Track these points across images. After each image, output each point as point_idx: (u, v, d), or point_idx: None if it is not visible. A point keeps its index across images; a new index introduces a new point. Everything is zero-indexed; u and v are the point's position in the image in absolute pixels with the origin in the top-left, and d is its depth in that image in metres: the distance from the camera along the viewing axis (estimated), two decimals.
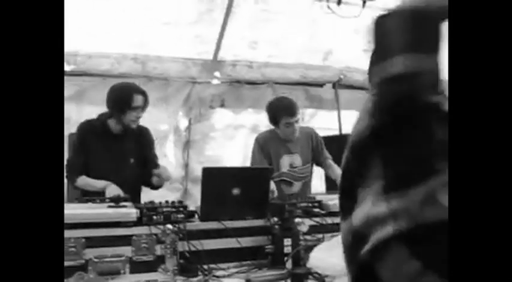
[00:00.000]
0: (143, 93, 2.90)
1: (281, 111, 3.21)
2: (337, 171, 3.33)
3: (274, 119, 3.27)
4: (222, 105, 4.70)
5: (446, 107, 0.51)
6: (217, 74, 4.48)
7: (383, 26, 0.55)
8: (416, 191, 0.49)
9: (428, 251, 0.48)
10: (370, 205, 0.51)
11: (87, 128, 2.93)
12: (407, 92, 0.51)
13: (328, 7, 3.80)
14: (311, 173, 3.49)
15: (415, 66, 0.51)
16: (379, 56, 0.55)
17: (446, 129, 0.50)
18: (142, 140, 3.08)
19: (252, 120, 4.83)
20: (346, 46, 4.72)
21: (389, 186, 0.50)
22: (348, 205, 0.54)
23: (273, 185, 3.15)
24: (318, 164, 3.50)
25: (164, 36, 4.07)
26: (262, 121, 4.89)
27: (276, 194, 3.11)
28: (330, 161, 3.44)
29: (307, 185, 3.45)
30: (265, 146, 3.32)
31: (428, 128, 0.51)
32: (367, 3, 4.04)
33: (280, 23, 4.30)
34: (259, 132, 3.63)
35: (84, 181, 2.83)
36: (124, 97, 2.85)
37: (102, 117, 2.95)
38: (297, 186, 3.36)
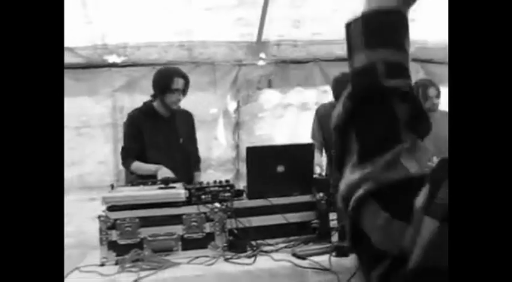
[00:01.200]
0: (184, 77, 3.06)
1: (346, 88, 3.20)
2: None
3: (338, 97, 3.23)
4: (269, 86, 4.74)
5: (405, 88, 0.61)
6: (262, 55, 4.51)
7: (349, 29, 0.67)
8: (382, 158, 0.59)
9: (393, 204, 0.58)
10: (349, 175, 0.62)
11: (136, 114, 3.11)
12: (369, 80, 0.63)
13: None
14: None
15: (372, 60, 0.62)
16: (348, 54, 0.67)
17: (406, 106, 0.61)
18: (189, 122, 3.29)
19: (300, 99, 4.84)
20: None
21: (362, 157, 0.61)
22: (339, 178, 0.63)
23: (320, 160, 3.16)
24: None
25: (207, 21, 4.13)
26: (310, 99, 4.90)
27: (324, 169, 3.13)
28: None
29: None
30: (324, 119, 3.30)
31: (389, 107, 0.61)
32: None
33: (322, 1, 4.25)
34: (321, 104, 3.58)
35: (137, 166, 2.99)
36: (165, 79, 3.02)
37: (148, 103, 3.13)
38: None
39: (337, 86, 3.24)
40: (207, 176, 3.70)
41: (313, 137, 3.33)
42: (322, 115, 3.30)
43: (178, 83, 3.01)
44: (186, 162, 3.17)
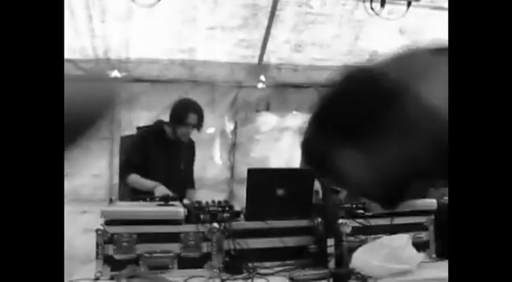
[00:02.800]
0: (198, 113, 3.15)
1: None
2: None
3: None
4: (268, 109, 4.77)
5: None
6: (262, 77, 4.55)
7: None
8: None
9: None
10: None
11: (148, 132, 3.23)
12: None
13: (372, 8, 3.79)
14: None
15: None
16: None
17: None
18: (191, 150, 3.43)
19: (297, 123, 4.87)
20: (391, 47, 4.68)
21: None
22: None
23: (317, 186, 3.16)
24: None
25: (210, 41, 4.18)
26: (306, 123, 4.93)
27: (320, 195, 3.12)
28: None
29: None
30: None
31: None
32: (413, 3, 4.01)
33: (324, 26, 4.32)
34: None
35: (135, 179, 3.01)
36: (179, 113, 3.14)
37: (159, 124, 3.25)
38: (342, 195, 3.31)
39: None
40: (200, 195, 3.68)
41: (301, 164, 3.34)
42: None
43: (192, 118, 3.12)
44: (181, 186, 3.22)
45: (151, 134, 3.21)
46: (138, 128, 3.38)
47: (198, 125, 3.17)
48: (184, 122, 3.11)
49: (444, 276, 2.19)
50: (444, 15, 4.38)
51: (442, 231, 2.50)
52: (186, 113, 3.12)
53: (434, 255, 2.48)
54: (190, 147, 3.42)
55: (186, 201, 3.10)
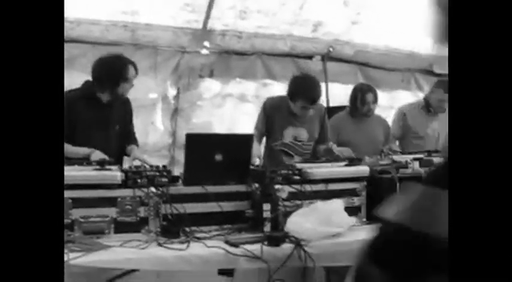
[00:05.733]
0: (133, 64, 2.97)
1: (302, 94, 3.15)
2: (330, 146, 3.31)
3: (292, 95, 3.20)
4: (211, 75, 4.74)
5: None
6: (206, 43, 4.51)
7: None
8: None
9: None
10: None
11: (74, 97, 2.90)
12: None
13: None
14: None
15: None
16: None
17: None
18: (127, 109, 3.17)
19: (240, 90, 4.88)
20: (335, 18, 4.74)
21: None
22: None
23: (260, 152, 3.21)
24: (318, 142, 3.43)
25: (154, 4, 4.07)
26: (250, 91, 4.95)
27: (261, 160, 3.17)
28: (334, 145, 3.36)
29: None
30: (271, 112, 3.28)
31: None
32: None
33: None
34: (270, 97, 3.53)
35: (67, 148, 2.82)
36: (118, 69, 2.90)
37: (88, 85, 2.97)
38: (297, 160, 3.26)
39: (293, 84, 3.25)
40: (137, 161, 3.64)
41: (256, 127, 3.34)
42: (269, 107, 3.32)
43: (131, 71, 2.93)
44: (118, 148, 3.07)
45: (78, 98, 2.90)
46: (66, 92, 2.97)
47: (135, 77, 2.97)
48: (126, 78, 2.89)
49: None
50: None
51: (373, 196, 2.63)
52: (125, 67, 2.91)
53: (364, 219, 2.61)
54: (125, 104, 3.14)
55: (129, 162, 3.00)
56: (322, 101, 4.90)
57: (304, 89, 3.18)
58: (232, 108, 4.83)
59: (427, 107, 4.05)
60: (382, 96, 4.95)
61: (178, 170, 2.60)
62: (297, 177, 2.51)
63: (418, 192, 0.71)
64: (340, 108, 4.14)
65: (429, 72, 5.64)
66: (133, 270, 2.08)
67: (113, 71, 2.91)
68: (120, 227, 2.13)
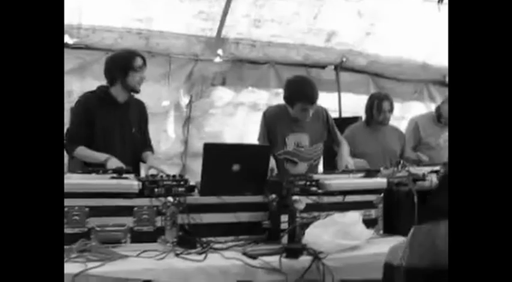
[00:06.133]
0: (142, 56, 3.00)
1: (299, 95, 3.10)
2: (344, 160, 3.24)
3: (290, 99, 3.14)
4: (223, 83, 4.74)
5: None
6: (220, 52, 4.51)
7: None
8: None
9: None
10: None
11: (91, 98, 2.95)
12: None
13: None
14: (321, 154, 3.39)
15: None
16: None
17: None
18: (142, 112, 3.18)
19: (252, 99, 4.88)
20: (349, 28, 4.74)
21: None
22: None
23: (272, 163, 3.17)
24: (331, 144, 3.38)
25: (168, 12, 4.08)
26: (261, 100, 4.94)
27: (275, 171, 3.14)
28: (345, 146, 3.32)
29: (315, 166, 3.35)
30: (272, 122, 3.23)
31: None
32: None
33: (285, 2, 4.30)
34: (269, 106, 3.49)
35: (83, 152, 2.85)
36: (125, 60, 2.94)
37: (103, 88, 2.99)
38: (302, 167, 3.26)
39: (290, 88, 3.21)
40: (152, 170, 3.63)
41: (259, 138, 3.31)
42: (269, 116, 3.28)
43: (138, 60, 2.95)
44: (135, 153, 3.07)
45: (95, 100, 2.94)
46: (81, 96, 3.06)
47: (145, 68, 2.99)
48: (134, 67, 2.91)
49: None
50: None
51: (390, 209, 2.59)
52: (132, 57, 2.94)
53: (381, 232, 2.57)
54: (140, 107, 3.16)
55: (145, 170, 2.99)
56: (330, 110, 4.91)
57: (302, 90, 3.12)
58: (244, 116, 4.82)
59: (439, 117, 4.02)
60: (395, 107, 4.93)
61: (190, 179, 2.58)
62: (315, 189, 2.48)
63: (410, 233, 0.76)
64: (353, 119, 4.12)
65: (442, 83, 5.62)
66: (149, 281, 2.05)
67: (120, 60, 2.96)
68: (137, 237, 2.10)
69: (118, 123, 2.96)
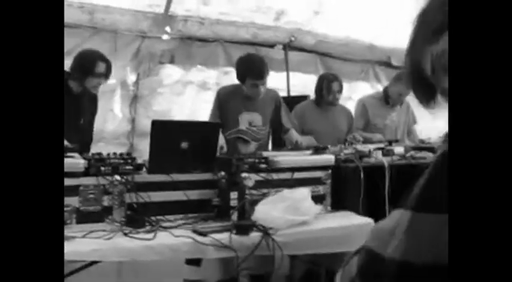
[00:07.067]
0: (107, 62, 3.03)
1: (249, 71, 3.12)
2: (294, 138, 3.33)
3: (241, 76, 3.17)
4: (172, 61, 4.64)
5: None
6: (168, 29, 4.40)
7: None
8: None
9: None
10: None
11: None
12: None
13: None
14: (269, 134, 3.44)
15: None
16: None
17: None
18: (94, 104, 3.27)
19: (201, 77, 4.81)
20: (298, 7, 4.74)
21: None
22: None
23: (222, 141, 3.16)
24: (274, 127, 3.42)
25: None
26: (210, 78, 4.89)
27: (225, 149, 3.14)
28: (292, 130, 3.38)
29: (264, 146, 3.37)
30: (225, 100, 3.24)
31: None
32: None
33: None
34: (223, 86, 3.50)
35: None
36: (87, 63, 2.98)
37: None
38: (253, 146, 3.28)
39: (240, 65, 3.21)
40: (98, 148, 3.53)
41: (211, 117, 3.30)
42: (223, 95, 3.28)
43: (101, 67, 2.98)
44: (81, 142, 3.02)
45: None
46: None
47: (107, 75, 3.03)
48: (93, 72, 2.96)
49: (336, 225, 2.35)
50: None
51: (337, 185, 2.65)
52: (95, 61, 2.97)
53: (329, 208, 2.63)
54: (92, 100, 3.23)
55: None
56: (278, 89, 4.93)
57: (250, 65, 3.15)
58: (193, 95, 4.76)
59: (386, 99, 4.12)
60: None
61: (138, 158, 2.53)
62: (264, 166, 2.50)
63: (407, 220, 0.68)
64: (301, 98, 4.16)
65: (387, 64, 5.75)
66: (94, 263, 2.00)
67: (82, 63, 3.00)
68: (83, 217, 2.05)
69: (67, 113, 2.88)
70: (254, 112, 3.27)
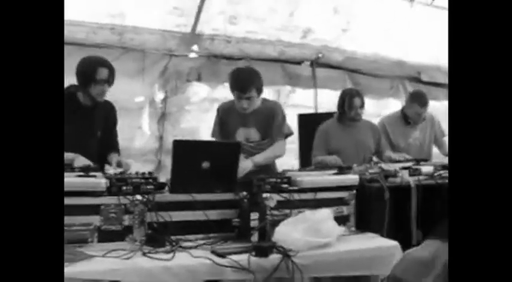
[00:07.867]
0: (109, 67, 2.88)
1: (233, 85, 3.09)
2: (275, 153, 3.19)
3: (230, 90, 3.14)
4: (199, 79, 4.70)
5: None
6: (195, 47, 4.47)
7: None
8: None
9: None
10: None
11: None
12: None
13: None
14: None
15: None
16: None
17: None
18: (109, 115, 3.12)
19: (228, 95, 4.83)
20: (325, 25, 4.74)
21: None
22: None
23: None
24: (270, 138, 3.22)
25: (142, 7, 4.02)
26: None
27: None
28: (280, 141, 3.22)
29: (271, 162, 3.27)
30: (224, 116, 3.23)
31: None
32: None
33: (261, 0, 4.28)
34: (223, 102, 3.45)
35: None
36: (88, 70, 2.84)
37: (71, 89, 2.92)
38: (249, 162, 3.05)
39: (229, 80, 3.15)
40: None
41: (213, 133, 3.28)
42: (222, 111, 3.27)
43: (102, 73, 2.84)
44: (101, 155, 3.01)
45: None
46: None
47: (110, 80, 2.88)
48: (95, 79, 2.82)
49: (358, 247, 2.29)
50: None
51: (362, 206, 2.60)
52: (95, 68, 2.83)
53: (353, 229, 2.57)
54: (107, 110, 3.09)
55: (108, 168, 2.93)
56: (306, 106, 4.91)
57: (234, 79, 3.10)
58: None
59: (405, 119, 4.06)
60: (371, 104, 4.96)
61: (165, 176, 2.54)
62: (286, 186, 2.47)
63: (447, 252, 0.65)
64: (328, 115, 4.13)
65: (417, 80, 5.66)
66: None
67: (84, 69, 2.87)
68: (104, 236, 2.06)
69: (82, 128, 2.88)
70: (251, 128, 3.20)
